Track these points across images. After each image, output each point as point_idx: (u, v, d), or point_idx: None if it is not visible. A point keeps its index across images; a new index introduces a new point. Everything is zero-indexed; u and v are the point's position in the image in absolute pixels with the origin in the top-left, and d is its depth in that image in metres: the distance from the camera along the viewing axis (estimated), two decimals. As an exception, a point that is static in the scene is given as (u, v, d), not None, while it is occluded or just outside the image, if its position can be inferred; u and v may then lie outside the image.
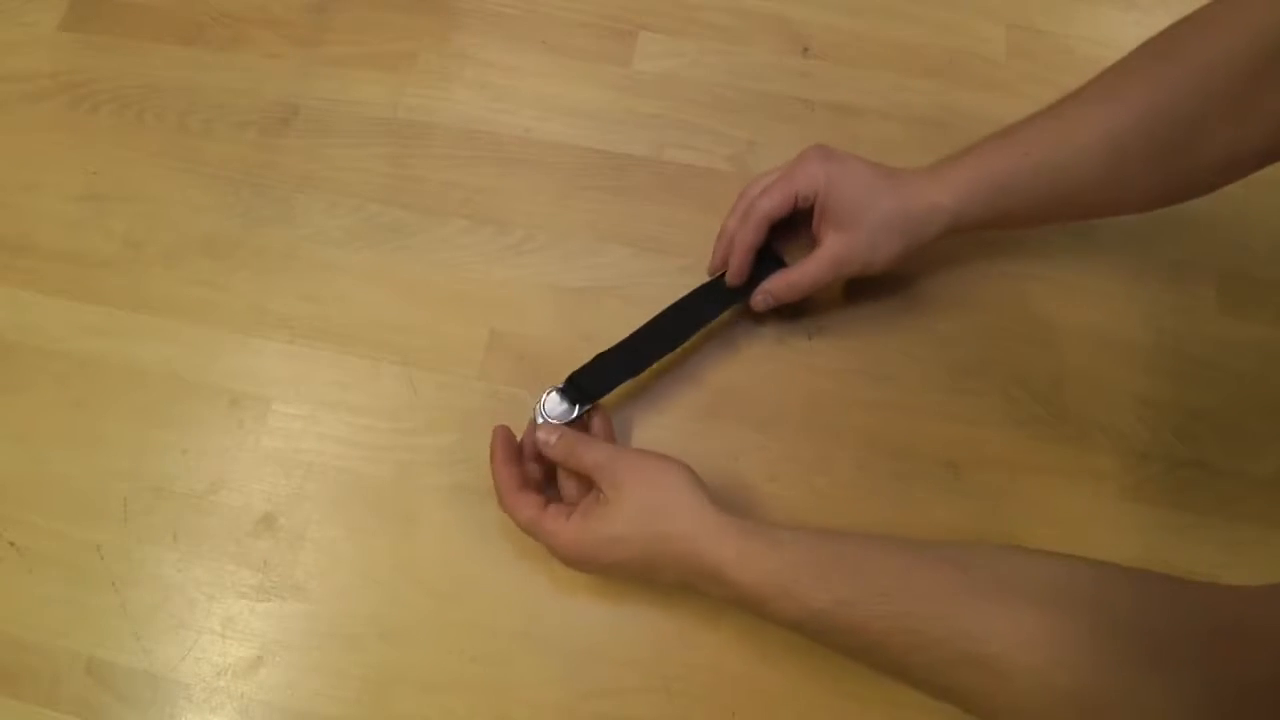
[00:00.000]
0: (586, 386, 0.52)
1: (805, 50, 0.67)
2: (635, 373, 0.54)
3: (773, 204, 0.53)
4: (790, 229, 0.56)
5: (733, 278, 0.55)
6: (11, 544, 0.55)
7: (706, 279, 0.57)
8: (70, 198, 0.63)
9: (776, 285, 0.54)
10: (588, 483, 0.49)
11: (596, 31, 0.68)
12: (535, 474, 0.52)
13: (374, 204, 0.62)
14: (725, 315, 0.57)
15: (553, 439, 0.50)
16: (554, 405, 0.52)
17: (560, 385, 0.52)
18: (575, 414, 0.52)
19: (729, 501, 0.54)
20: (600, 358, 0.53)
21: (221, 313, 0.60)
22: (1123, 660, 0.35)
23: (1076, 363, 0.58)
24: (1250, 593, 0.35)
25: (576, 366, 0.53)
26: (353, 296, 0.60)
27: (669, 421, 0.57)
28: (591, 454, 0.48)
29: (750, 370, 0.58)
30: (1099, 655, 0.35)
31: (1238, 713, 0.34)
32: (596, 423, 0.53)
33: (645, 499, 0.46)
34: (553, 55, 0.67)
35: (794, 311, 0.57)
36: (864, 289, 0.59)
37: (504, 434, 0.52)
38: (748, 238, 0.54)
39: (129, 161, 0.64)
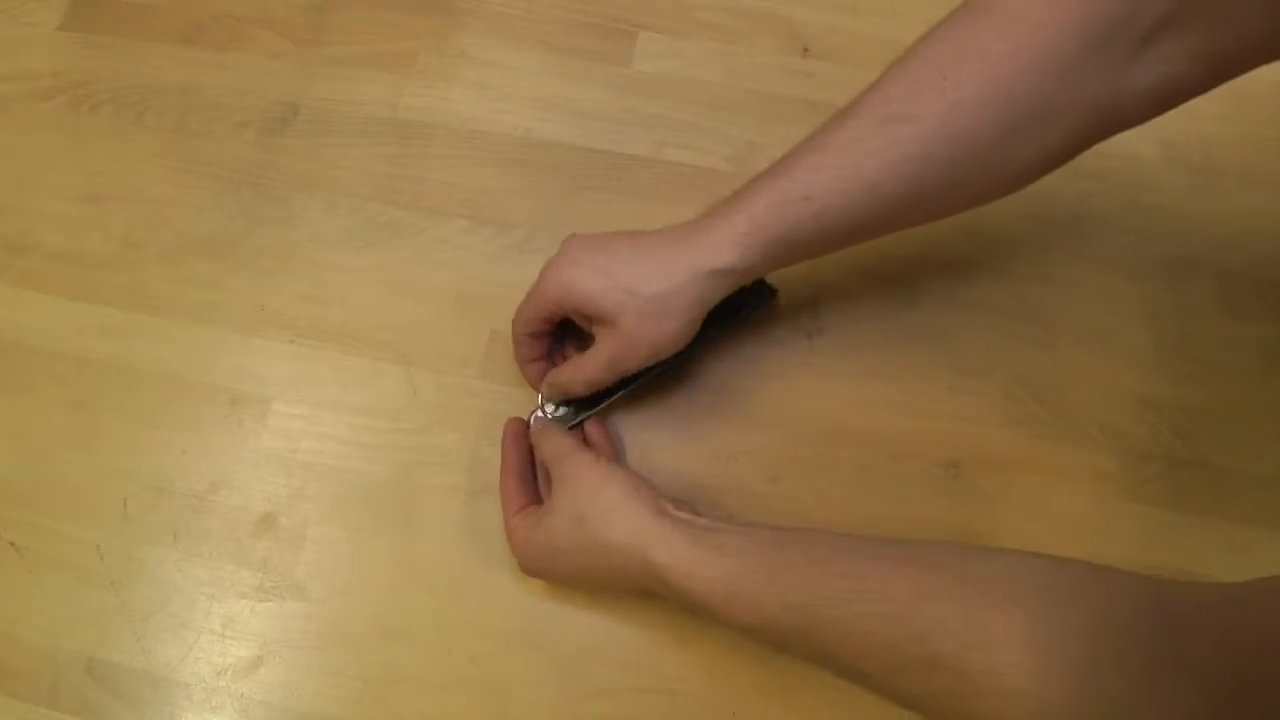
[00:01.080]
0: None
1: (805, 50, 0.67)
2: (628, 386, 0.53)
3: (524, 323, 0.52)
4: None
5: (531, 383, 0.55)
6: (11, 544, 0.55)
7: None
8: (70, 198, 0.63)
9: (560, 376, 0.52)
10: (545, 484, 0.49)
11: (596, 31, 0.68)
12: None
13: (374, 204, 0.62)
14: (720, 330, 0.55)
15: (536, 426, 0.51)
16: (551, 408, 0.52)
17: None
18: (574, 420, 0.52)
19: (728, 502, 0.55)
20: None
21: (221, 313, 0.60)
22: (1087, 661, 0.33)
23: (1076, 363, 0.58)
24: (1233, 590, 0.34)
25: (576, 366, 0.53)
26: (353, 296, 0.60)
27: (669, 421, 0.56)
28: (549, 445, 0.48)
29: (750, 370, 0.58)
30: (1063, 657, 0.33)
31: (1222, 714, 0.32)
32: (593, 432, 0.54)
33: (574, 508, 0.45)
34: (553, 55, 0.67)
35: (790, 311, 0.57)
36: (864, 288, 0.59)
37: (515, 428, 0.52)
38: (521, 359, 0.54)
39: (129, 161, 0.64)
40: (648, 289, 0.46)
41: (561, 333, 0.54)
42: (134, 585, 0.54)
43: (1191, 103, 0.66)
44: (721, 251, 0.46)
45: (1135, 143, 0.63)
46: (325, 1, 0.69)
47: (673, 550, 0.43)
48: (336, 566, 0.54)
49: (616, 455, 0.54)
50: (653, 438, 0.56)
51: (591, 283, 0.47)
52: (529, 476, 0.52)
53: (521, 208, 0.62)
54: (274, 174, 0.63)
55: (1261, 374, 0.58)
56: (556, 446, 0.49)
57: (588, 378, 0.50)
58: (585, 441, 0.53)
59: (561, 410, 0.52)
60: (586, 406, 0.52)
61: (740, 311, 0.55)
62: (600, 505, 0.45)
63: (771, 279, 0.56)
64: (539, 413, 0.53)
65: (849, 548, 0.42)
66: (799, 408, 0.57)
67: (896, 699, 0.39)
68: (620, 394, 0.54)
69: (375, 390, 0.57)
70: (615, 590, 0.48)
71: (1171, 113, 0.64)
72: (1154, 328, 0.59)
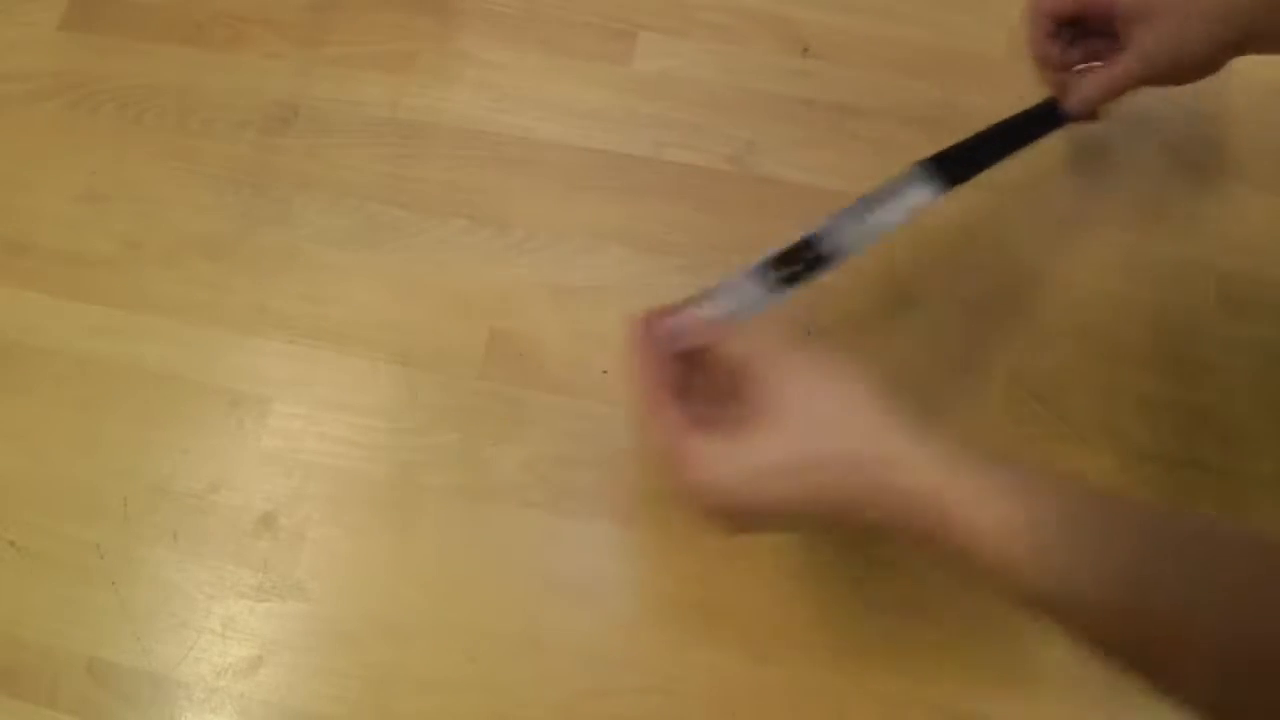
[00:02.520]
0: (952, 166, 0.48)
1: (805, 50, 0.67)
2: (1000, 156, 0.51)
3: (1055, 2, 0.50)
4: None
5: (1033, 46, 0.52)
6: (11, 544, 0.55)
7: (706, 281, 0.57)
8: (70, 198, 0.63)
9: (1090, 89, 0.50)
10: (727, 393, 0.37)
11: (596, 31, 0.68)
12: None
13: (374, 204, 0.62)
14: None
15: (695, 321, 0.39)
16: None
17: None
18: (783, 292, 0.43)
19: (729, 501, 0.54)
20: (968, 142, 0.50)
21: (221, 313, 0.60)
22: None
23: (1076, 363, 0.58)
24: None
25: (576, 366, 0.54)
26: (353, 296, 0.60)
27: (669, 421, 0.56)
28: (734, 341, 0.37)
29: (750, 370, 0.58)
30: None
31: None
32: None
33: (804, 410, 0.34)
34: (553, 55, 0.67)
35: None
36: (863, 288, 0.59)
37: (654, 327, 0.39)
38: (1036, 39, 0.51)
39: (129, 161, 0.64)
40: None
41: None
42: (134, 585, 0.54)
43: (1191, 104, 0.66)
44: None
45: (1135, 142, 0.63)
46: (325, 1, 0.69)
47: (955, 473, 0.32)
48: (336, 566, 0.54)
49: None
50: (653, 438, 0.56)
51: None
52: (684, 388, 0.39)
53: (521, 207, 0.62)
54: (274, 174, 0.63)
55: (1261, 374, 0.58)
56: (748, 342, 0.37)
57: (1129, 72, 0.48)
58: None
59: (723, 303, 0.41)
60: (950, 181, 0.47)
61: (1031, 136, 0.53)
62: (841, 408, 0.34)
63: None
64: (693, 312, 0.41)
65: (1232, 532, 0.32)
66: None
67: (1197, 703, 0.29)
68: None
69: (375, 390, 0.57)
70: (843, 525, 0.35)
71: (1172, 113, 0.65)
72: (1154, 328, 0.59)
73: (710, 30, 0.68)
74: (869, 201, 0.49)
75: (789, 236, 0.58)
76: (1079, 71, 0.52)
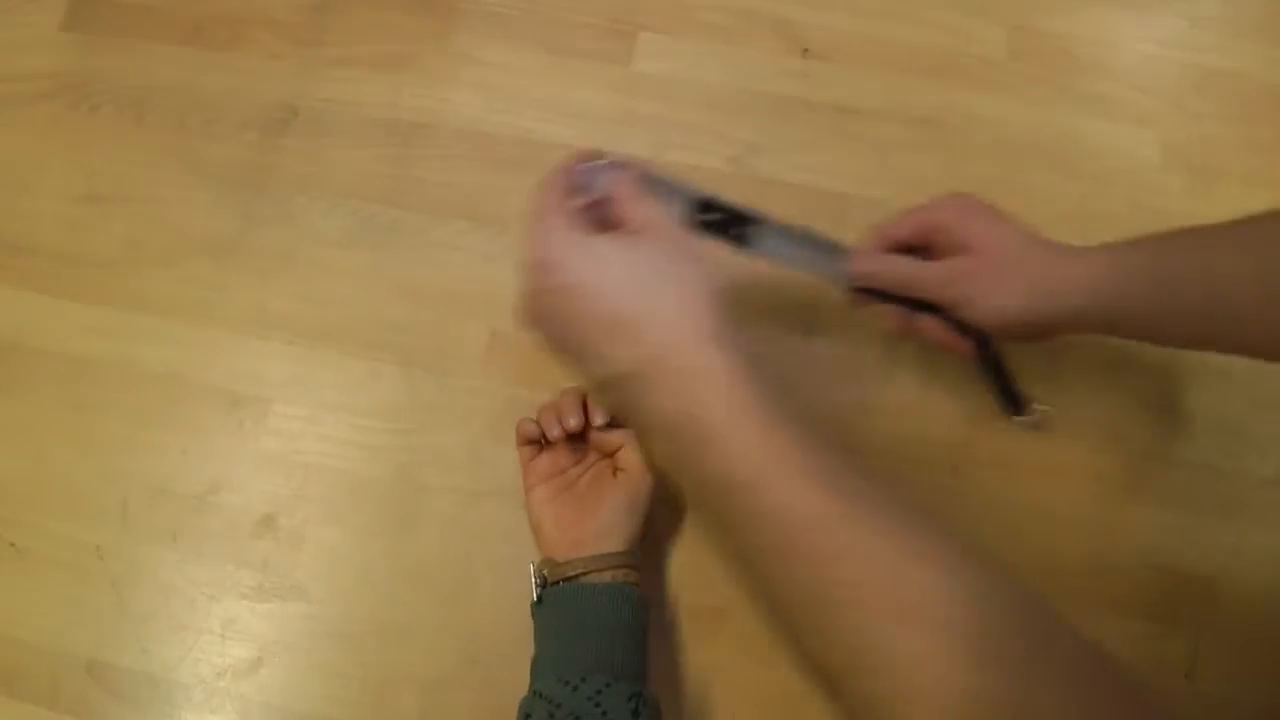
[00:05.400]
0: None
1: (805, 50, 0.67)
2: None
3: (896, 229, 0.50)
4: None
5: (858, 261, 0.51)
6: (11, 544, 0.55)
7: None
8: (70, 198, 0.63)
9: (884, 260, 0.50)
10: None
11: (596, 32, 0.67)
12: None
13: (374, 204, 0.62)
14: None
15: (630, 170, 0.42)
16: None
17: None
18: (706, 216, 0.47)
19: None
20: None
21: (221, 313, 0.60)
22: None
23: (1077, 363, 0.58)
24: None
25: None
26: (353, 297, 0.60)
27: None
28: (648, 206, 0.40)
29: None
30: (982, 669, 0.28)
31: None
32: None
33: (665, 258, 0.37)
34: (553, 55, 0.67)
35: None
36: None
37: (572, 166, 0.43)
38: (881, 242, 0.51)
39: (129, 161, 0.64)
40: (1021, 251, 0.46)
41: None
42: (134, 585, 0.54)
43: (1191, 104, 0.66)
44: (1100, 265, 0.45)
45: (1136, 143, 0.63)
46: (325, 2, 0.69)
47: (733, 361, 0.35)
48: (336, 567, 0.54)
49: None
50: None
51: (980, 215, 0.48)
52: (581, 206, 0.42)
53: (521, 208, 0.62)
54: (274, 174, 0.63)
55: (1262, 374, 0.58)
56: (651, 205, 0.40)
57: (915, 274, 0.49)
58: None
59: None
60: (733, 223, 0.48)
61: (998, 389, 0.54)
62: (684, 272, 0.37)
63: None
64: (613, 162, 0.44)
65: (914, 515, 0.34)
66: (799, 408, 0.57)
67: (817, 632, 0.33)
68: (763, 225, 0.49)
69: (375, 390, 0.57)
70: (594, 356, 0.37)
71: (1171, 114, 0.65)
72: (1154, 328, 0.59)
73: (710, 31, 0.67)
74: (814, 240, 0.51)
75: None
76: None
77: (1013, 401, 0.54)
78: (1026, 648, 0.30)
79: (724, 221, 0.48)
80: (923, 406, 0.57)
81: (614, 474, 0.51)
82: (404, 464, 0.56)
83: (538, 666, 0.48)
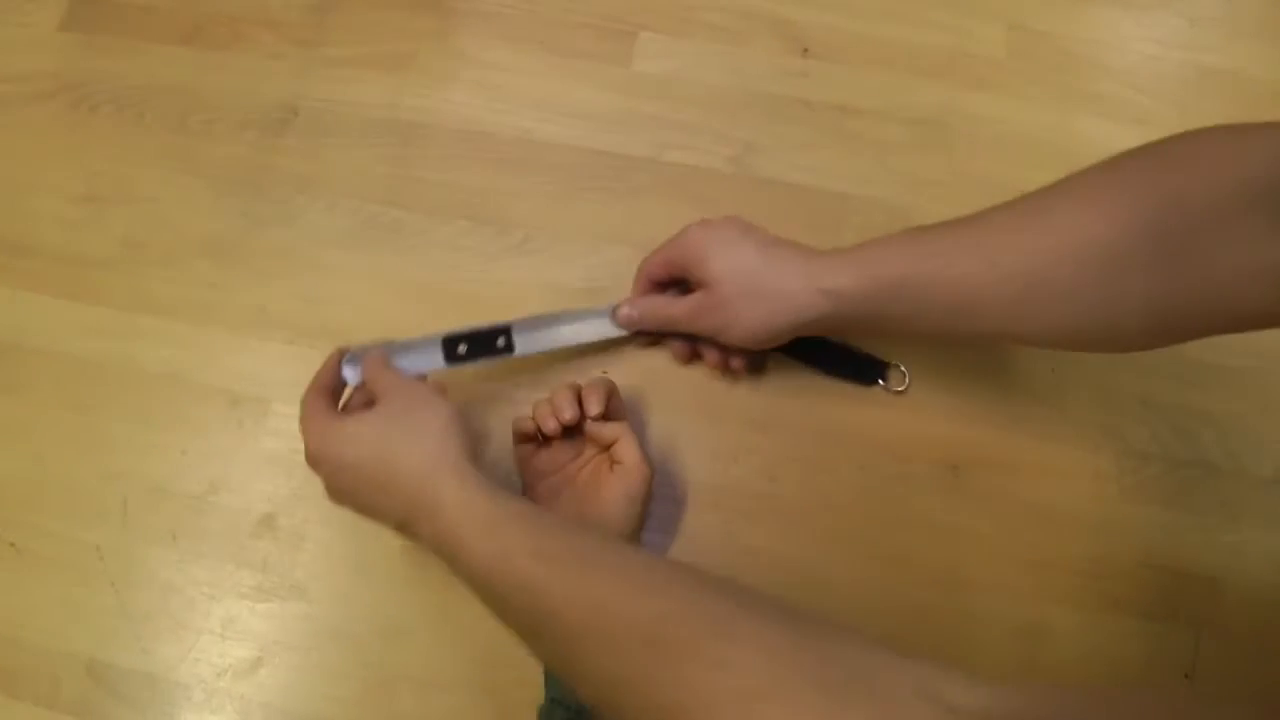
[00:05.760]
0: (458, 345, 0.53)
1: (805, 50, 0.67)
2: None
3: (650, 266, 0.54)
4: None
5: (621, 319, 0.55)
6: (11, 544, 0.55)
7: None
8: (70, 198, 0.63)
9: (642, 303, 0.54)
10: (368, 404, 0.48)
11: (596, 32, 0.68)
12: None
13: (374, 204, 0.62)
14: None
15: (374, 352, 0.50)
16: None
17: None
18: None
19: (729, 501, 0.55)
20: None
21: (221, 313, 0.60)
22: None
23: (1077, 363, 0.58)
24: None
25: (576, 366, 0.54)
26: (353, 297, 0.60)
27: (668, 421, 0.57)
28: (384, 372, 0.48)
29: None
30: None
31: None
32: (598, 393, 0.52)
33: (390, 418, 0.45)
34: (553, 55, 0.67)
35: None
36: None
37: (338, 354, 0.50)
38: (634, 294, 0.56)
39: (129, 161, 0.64)
40: (760, 274, 0.49)
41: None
42: (134, 585, 0.54)
43: (1191, 104, 0.66)
44: (836, 274, 0.48)
45: (1135, 143, 0.63)
46: (325, 2, 0.69)
47: (460, 480, 0.42)
48: (336, 567, 0.54)
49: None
50: (654, 437, 0.56)
51: (717, 248, 0.51)
52: (337, 396, 0.51)
53: (521, 208, 0.62)
54: (274, 174, 0.63)
55: (1261, 374, 0.58)
56: (391, 373, 0.48)
57: (668, 314, 0.53)
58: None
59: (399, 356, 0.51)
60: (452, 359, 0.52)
61: (843, 372, 0.57)
62: (417, 420, 0.45)
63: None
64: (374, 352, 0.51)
65: (606, 538, 0.43)
66: (799, 408, 0.57)
67: (590, 680, 0.38)
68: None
69: (375, 390, 0.57)
70: (387, 510, 0.45)
71: (1171, 114, 0.65)
72: (1154, 328, 0.59)
73: (710, 31, 0.67)
74: (571, 313, 0.55)
75: (788, 236, 0.58)
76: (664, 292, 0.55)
77: (871, 372, 0.56)
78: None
79: (481, 343, 0.53)
80: (923, 406, 0.57)
81: (610, 467, 0.51)
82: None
83: (551, 674, 0.48)
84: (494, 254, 0.61)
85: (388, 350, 0.51)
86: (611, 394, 0.52)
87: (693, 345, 0.56)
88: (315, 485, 0.55)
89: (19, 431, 0.57)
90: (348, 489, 0.46)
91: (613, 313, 0.55)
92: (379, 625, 0.53)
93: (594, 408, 0.51)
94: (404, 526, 0.44)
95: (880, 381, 0.57)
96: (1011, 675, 0.52)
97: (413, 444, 0.44)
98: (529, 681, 0.51)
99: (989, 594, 0.53)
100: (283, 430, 0.57)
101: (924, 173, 0.63)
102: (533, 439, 0.53)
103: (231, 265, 0.61)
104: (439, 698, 0.51)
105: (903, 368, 0.57)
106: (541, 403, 0.52)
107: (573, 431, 0.52)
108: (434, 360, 0.52)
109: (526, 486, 0.53)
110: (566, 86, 0.66)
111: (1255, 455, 0.56)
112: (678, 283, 0.55)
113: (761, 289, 0.49)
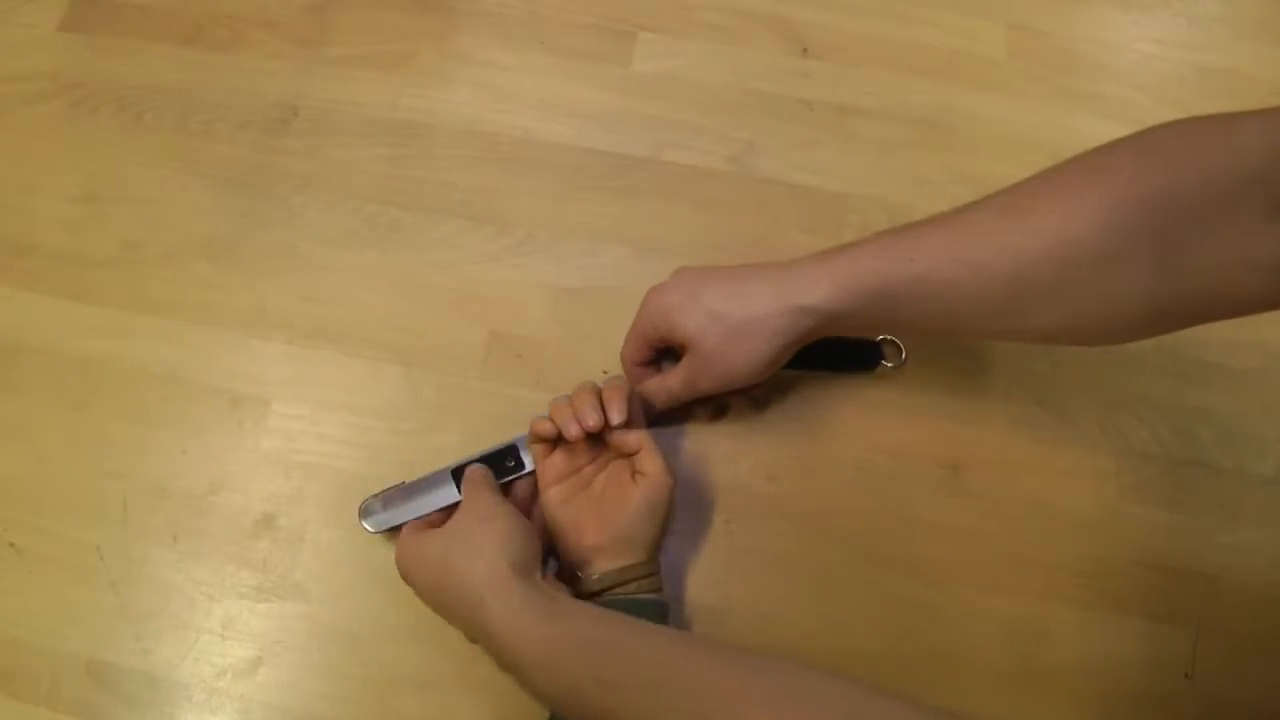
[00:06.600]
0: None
1: (805, 50, 0.67)
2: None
3: (630, 352, 0.53)
4: None
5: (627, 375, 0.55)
6: (11, 544, 0.55)
7: None
8: (70, 198, 0.63)
9: (647, 385, 0.53)
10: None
11: (596, 32, 0.68)
12: None
13: (374, 204, 0.62)
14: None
15: (477, 473, 0.51)
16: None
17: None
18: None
19: (729, 501, 0.55)
20: None
21: (221, 313, 0.60)
22: None
23: (1076, 363, 0.58)
24: None
25: (575, 367, 0.54)
26: (353, 296, 0.60)
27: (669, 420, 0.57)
28: (472, 479, 0.50)
29: (750, 370, 0.58)
30: None
31: None
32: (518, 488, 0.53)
33: (454, 533, 0.46)
34: (553, 55, 0.67)
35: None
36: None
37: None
38: (632, 382, 0.54)
39: (129, 161, 0.64)
40: (732, 316, 0.48)
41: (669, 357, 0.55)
42: (134, 585, 0.54)
43: (1191, 104, 0.66)
44: (812, 289, 0.46)
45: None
46: (325, 2, 0.69)
47: (508, 604, 0.42)
48: (336, 567, 0.54)
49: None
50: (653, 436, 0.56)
51: (681, 309, 0.49)
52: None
53: (521, 208, 0.62)
54: (274, 174, 0.63)
55: (1262, 374, 0.58)
56: (473, 481, 0.50)
57: (670, 389, 0.52)
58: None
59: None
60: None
61: (845, 365, 0.56)
62: (472, 539, 0.45)
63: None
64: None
65: (678, 641, 0.43)
66: (799, 408, 0.57)
67: None
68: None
69: (375, 390, 0.57)
70: (458, 625, 0.46)
71: (1171, 113, 0.64)
72: (1154, 328, 0.59)
73: (710, 31, 0.68)
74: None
75: (788, 235, 0.59)
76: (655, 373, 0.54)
77: (871, 357, 0.55)
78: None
79: (494, 465, 0.52)
80: (923, 406, 0.57)
81: (633, 477, 0.50)
82: (404, 464, 0.55)
83: None
84: (493, 253, 0.61)
85: (402, 493, 0.52)
86: (631, 397, 0.51)
87: (718, 400, 0.55)
88: (315, 485, 0.56)
89: (19, 431, 0.57)
90: (429, 602, 0.47)
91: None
92: (379, 625, 0.53)
93: (616, 416, 0.49)
94: (469, 634, 0.46)
95: (883, 363, 0.56)
96: (1012, 675, 0.52)
97: (466, 566, 0.44)
98: (529, 681, 0.51)
99: (989, 594, 0.53)
100: (283, 430, 0.57)
101: (924, 172, 0.63)
102: (549, 440, 0.51)
103: (231, 265, 0.61)
104: (439, 698, 0.51)
105: (897, 340, 0.56)
106: (561, 404, 0.50)
107: (592, 435, 0.51)
108: (449, 494, 0.52)
109: (541, 489, 0.52)
110: (566, 86, 0.66)
111: (1255, 455, 0.56)
112: (666, 354, 0.54)
113: (740, 328, 0.48)
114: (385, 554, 0.54)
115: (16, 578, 0.54)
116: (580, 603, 0.45)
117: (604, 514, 0.50)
